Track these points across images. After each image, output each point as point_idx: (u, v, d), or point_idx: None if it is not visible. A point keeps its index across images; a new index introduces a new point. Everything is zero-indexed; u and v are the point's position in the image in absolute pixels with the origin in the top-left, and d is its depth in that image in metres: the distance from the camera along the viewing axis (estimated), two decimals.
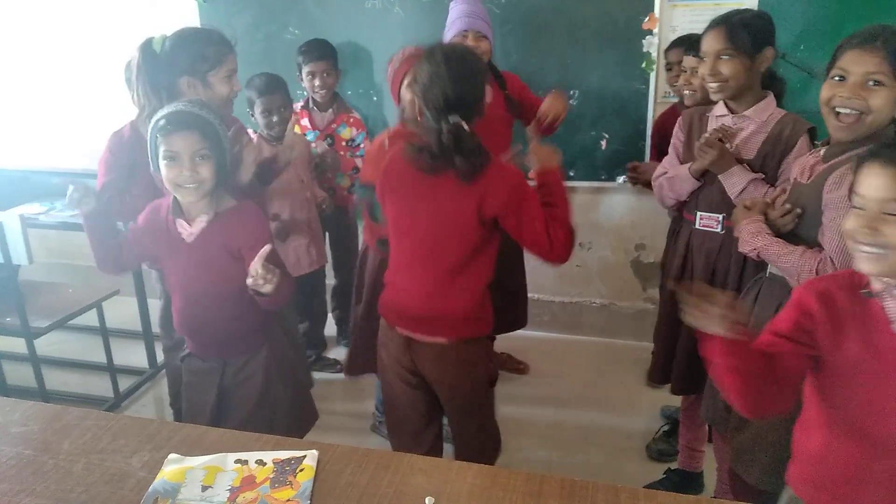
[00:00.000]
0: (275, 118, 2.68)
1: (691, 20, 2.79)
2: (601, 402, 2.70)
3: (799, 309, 1.16)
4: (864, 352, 1.11)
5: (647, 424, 2.65)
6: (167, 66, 1.88)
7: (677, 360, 2.07)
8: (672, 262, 2.08)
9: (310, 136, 2.93)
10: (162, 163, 1.59)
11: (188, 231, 1.67)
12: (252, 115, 2.76)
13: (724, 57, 1.75)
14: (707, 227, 1.92)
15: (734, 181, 1.80)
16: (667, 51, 2.59)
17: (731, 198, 1.81)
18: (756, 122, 1.81)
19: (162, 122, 1.57)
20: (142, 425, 1.36)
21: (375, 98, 3.24)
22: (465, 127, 1.57)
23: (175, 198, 1.65)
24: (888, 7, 2.55)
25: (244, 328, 1.75)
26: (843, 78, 1.40)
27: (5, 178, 3.39)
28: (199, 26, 1.91)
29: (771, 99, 1.81)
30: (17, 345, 2.62)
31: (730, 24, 1.74)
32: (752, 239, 1.59)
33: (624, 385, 2.91)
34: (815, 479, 1.22)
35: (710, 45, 1.78)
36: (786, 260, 1.51)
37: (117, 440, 1.31)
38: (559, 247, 1.62)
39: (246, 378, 1.76)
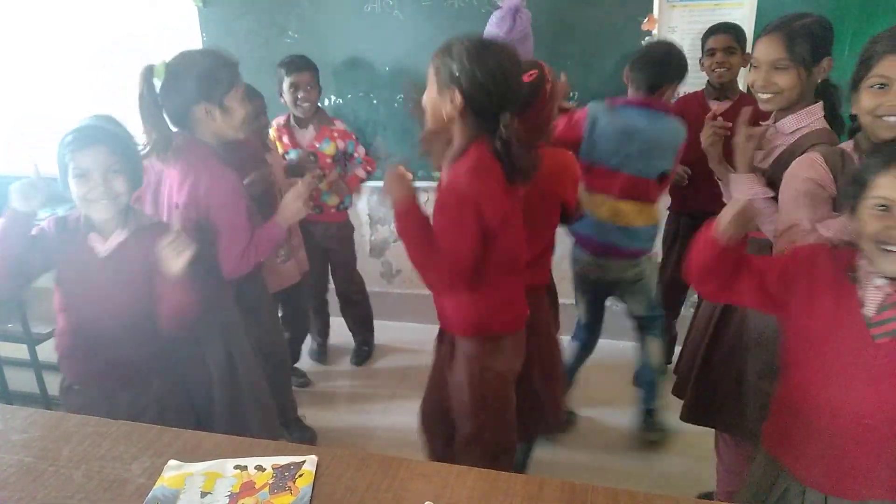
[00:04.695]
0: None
1: (690, 21, 2.79)
2: (603, 403, 2.70)
3: (790, 262, 1.29)
4: (831, 326, 1.22)
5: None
6: (177, 93, 1.80)
7: (692, 386, 1.97)
8: None
9: (291, 155, 2.87)
10: (72, 181, 1.55)
11: (103, 246, 1.62)
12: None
13: (777, 67, 1.62)
14: None
15: (741, 189, 1.69)
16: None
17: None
18: (781, 133, 1.69)
19: (69, 139, 1.54)
20: (141, 432, 1.36)
21: (375, 101, 3.24)
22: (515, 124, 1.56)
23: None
24: (887, 6, 2.55)
25: (139, 357, 1.68)
26: (884, 86, 1.34)
27: (6, 183, 3.40)
28: (202, 48, 1.86)
29: (812, 110, 1.64)
30: (20, 350, 2.63)
31: (789, 31, 1.60)
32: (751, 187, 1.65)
33: (625, 386, 2.90)
34: (780, 436, 1.36)
35: (766, 53, 1.64)
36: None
37: (117, 447, 1.31)
38: None
39: (138, 414, 1.63)
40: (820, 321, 1.23)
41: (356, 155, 2.96)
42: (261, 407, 2.08)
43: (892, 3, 2.54)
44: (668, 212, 2.89)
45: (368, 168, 3.01)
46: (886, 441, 1.22)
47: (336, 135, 2.88)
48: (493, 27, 2.52)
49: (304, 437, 2.65)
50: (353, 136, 2.96)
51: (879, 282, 1.17)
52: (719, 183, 1.92)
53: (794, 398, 1.30)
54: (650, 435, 2.53)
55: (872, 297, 1.18)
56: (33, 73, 3.69)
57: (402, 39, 3.10)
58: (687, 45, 2.82)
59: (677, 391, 2.06)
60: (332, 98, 3.29)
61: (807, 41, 1.59)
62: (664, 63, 2.23)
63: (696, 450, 2.45)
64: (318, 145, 2.86)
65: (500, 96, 1.52)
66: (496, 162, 1.54)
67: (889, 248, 1.12)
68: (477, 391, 1.71)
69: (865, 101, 1.37)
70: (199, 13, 3.32)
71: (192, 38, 3.34)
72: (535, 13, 2.91)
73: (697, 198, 2.61)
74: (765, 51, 1.64)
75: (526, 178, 1.60)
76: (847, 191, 1.22)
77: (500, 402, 1.76)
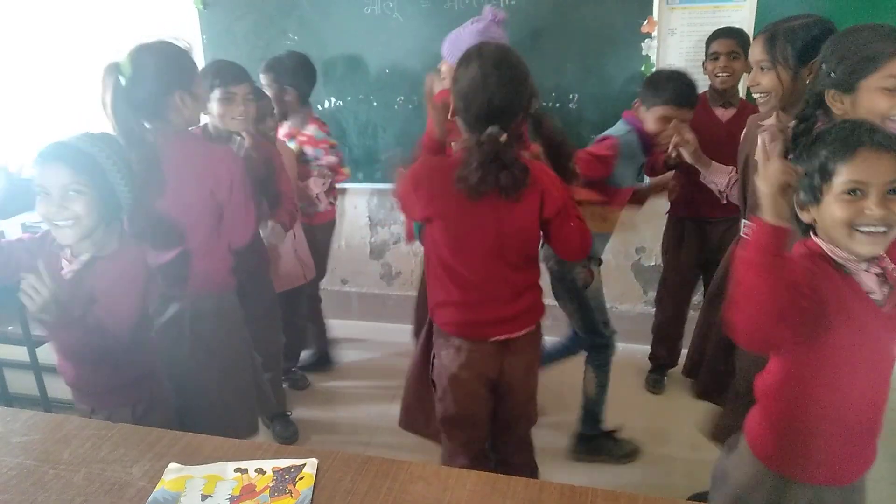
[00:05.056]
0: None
1: (690, 23, 2.80)
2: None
3: (814, 272, 1.18)
4: (860, 325, 1.18)
5: (646, 428, 2.65)
6: (152, 84, 1.78)
7: (706, 365, 2.01)
8: (719, 269, 2.05)
9: None
10: (37, 198, 1.49)
11: (68, 268, 1.55)
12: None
13: (762, 68, 1.67)
14: (745, 234, 1.90)
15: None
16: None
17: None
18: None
19: (36, 154, 1.49)
20: (142, 434, 1.36)
21: (375, 104, 3.25)
22: (502, 138, 1.54)
23: None
24: (887, 7, 2.55)
25: (113, 379, 1.64)
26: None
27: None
28: (156, 41, 1.85)
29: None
30: (20, 353, 2.63)
31: (772, 33, 1.64)
32: None
33: (624, 388, 2.90)
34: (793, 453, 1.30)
35: (751, 53, 1.72)
36: None
37: (117, 449, 1.31)
38: (585, 248, 1.76)
39: None
40: (852, 324, 1.18)
41: (321, 161, 2.85)
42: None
43: (892, 4, 2.55)
44: (667, 216, 2.89)
45: (325, 175, 2.88)
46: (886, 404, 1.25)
47: (304, 139, 2.83)
48: (482, 37, 2.46)
49: (287, 432, 2.67)
50: (324, 144, 2.85)
51: (864, 265, 1.17)
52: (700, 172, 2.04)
53: (819, 412, 1.24)
54: (575, 456, 2.50)
55: (870, 282, 1.18)
56: (34, 78, 3.70)
57: (401, 41, 3.11)
58: (686, 48, 2.83)
59: (704, 394, 2.05)
60: (332, 100, 3.29)
61: (789, 43, 1.61)
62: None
63: (696, 452, 2.45)
64: (285, 140, 2.83)
65: (474, 105, 1.54)
66: (454, 168, 1.57)
67: (865, 229, 1.12)
68: (434, 370, 1.84)
69: (877, 102, 1.35)
70: (199, 15, 3.32)
71: (192, 41, 3.33)
72: (536, 15, 2.93)
73: (702, 202, 2.52)
74: (751, 52, 1.71)
75: (475, 195, 1.56)
76: (808, 184, 1.19)
77: (446, 391, 1.79)
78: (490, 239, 1.64)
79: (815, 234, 1.22)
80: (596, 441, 2.49)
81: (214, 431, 1.85)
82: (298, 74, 2.83)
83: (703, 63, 2.60)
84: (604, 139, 2.20)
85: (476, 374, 1.77)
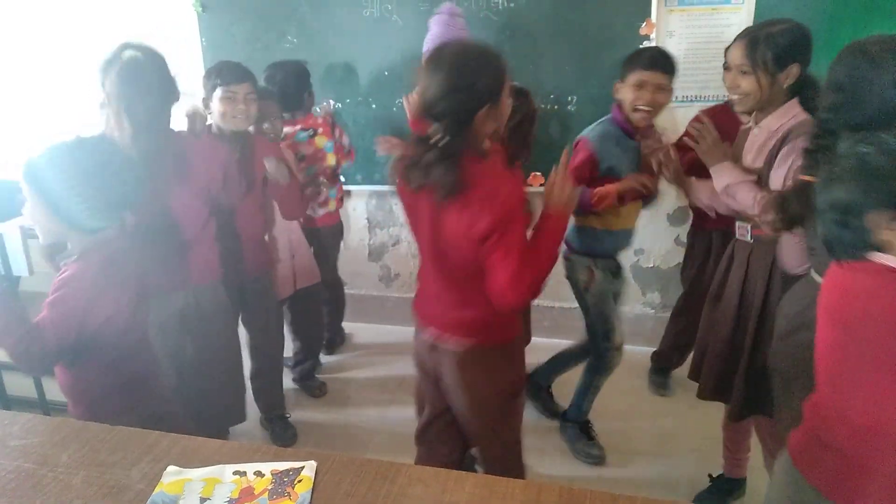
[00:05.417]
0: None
1: (688, 25, 2.80)
2: (601, 407, 2.69)
3: None
4: None
5: (647, 429, 2.65)
6: (169, 86, 1.93)
7: (708, 364, 2.02)
8: (718, 270, 2.05)
9: None
10: None
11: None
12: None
13: (743, 72, 1.73)
14: (740, 235, 1.93)
15: (721, 177, 1.82)
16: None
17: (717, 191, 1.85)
18: (768, 130, 1.76)
19: None
20: (140, 437, 1.36)
21: (374, 106, 3.25)
22: (442, 138, 1.47)
23: None
24: (885, 8, 2.55)
25: (92, 387, 1.63)
26: None
27: (6, 188, 3.40)
28: (121, 44, 1.99)
29: (790, 106, 1.73)
30: None
31: (752, 39, 1.70)
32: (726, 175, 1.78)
33: (624, 389, 2.91)
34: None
35: (731, 57, 1.79)
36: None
37: (116, 452, 1.31)
38: (518, 293, 1.49)
39: None
40: None
41: None
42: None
43: (891, 4, 2.56)
44: (691, 227, 2.84)
45: None
46: None
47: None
48: (447, 27, 2.50)
49: (286, 435, 2.68)
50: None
51: None
52: (685, 189, 2.07)
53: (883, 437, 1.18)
54: (559, 433, 2.60)
55: None
56: (34, 84, 3.70)
57: (400, 44, 3.11)
58: (685, 50, 2.84)
59: (708, 394, 2.04)
60: (331, 102, 3.29)
61: (769, 49, 1.68)
62: None
63: (694, 454, 2.46)
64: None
65: (419, 103, 1.53)
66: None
67: None
68: None
69: None
70: (198, 18, 3.33)
71: (191, 44, 3.35)
72: (535, 16, 2.93)
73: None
74: (731, 56, 1.79)
75: (414, 189, 1.55)
76: (887, 200, 1.12)
77: None
78: (428, 237, 1.61)
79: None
80: (572, 429, 2.56)
81: (214, 420, 1.89)
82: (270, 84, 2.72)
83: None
84: (577, 143, 2.25)
85: (417, 351, 1.82)
